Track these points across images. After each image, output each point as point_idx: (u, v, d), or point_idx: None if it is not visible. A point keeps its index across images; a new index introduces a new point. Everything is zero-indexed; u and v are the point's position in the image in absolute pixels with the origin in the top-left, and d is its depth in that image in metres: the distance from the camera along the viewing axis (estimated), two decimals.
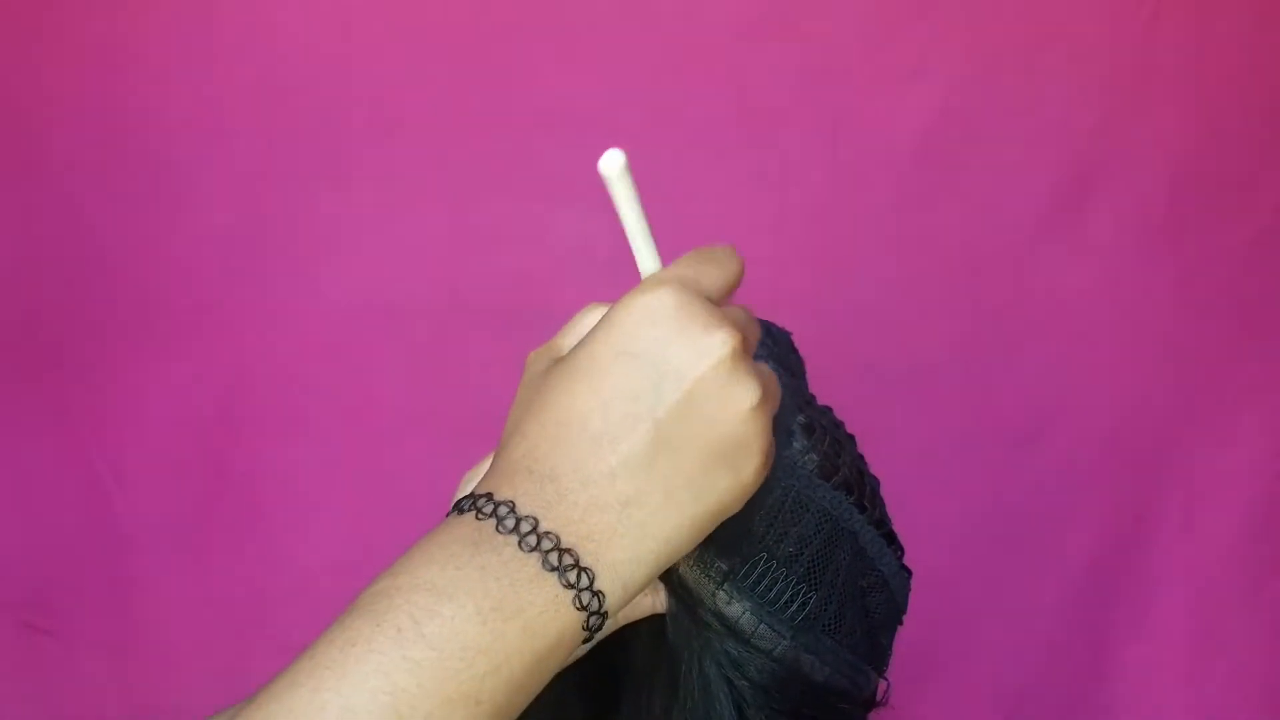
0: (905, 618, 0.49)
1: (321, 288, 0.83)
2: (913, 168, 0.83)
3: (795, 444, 0.44)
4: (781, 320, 0.88)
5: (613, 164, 0.33)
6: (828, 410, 0.48)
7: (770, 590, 0.42)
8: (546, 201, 0.82)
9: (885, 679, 0.47)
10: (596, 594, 0.32)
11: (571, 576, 0.32)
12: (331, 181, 0.81)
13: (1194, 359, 0.86)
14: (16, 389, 0.83)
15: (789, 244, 0.83)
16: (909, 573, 0.48)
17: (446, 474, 0.90)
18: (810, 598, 0.42)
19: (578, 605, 0.32)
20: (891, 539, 0.47)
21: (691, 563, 0.42)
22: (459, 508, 0.33)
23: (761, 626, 0.42)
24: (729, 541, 0.42)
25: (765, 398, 0.34)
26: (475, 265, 0.83)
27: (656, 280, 0.35)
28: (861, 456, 0.47)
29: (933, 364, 0.85)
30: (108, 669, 0.85)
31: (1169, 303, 0.85)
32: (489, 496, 0.33)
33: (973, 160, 0.83)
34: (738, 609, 0.42)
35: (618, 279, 0.92)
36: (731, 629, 0.42)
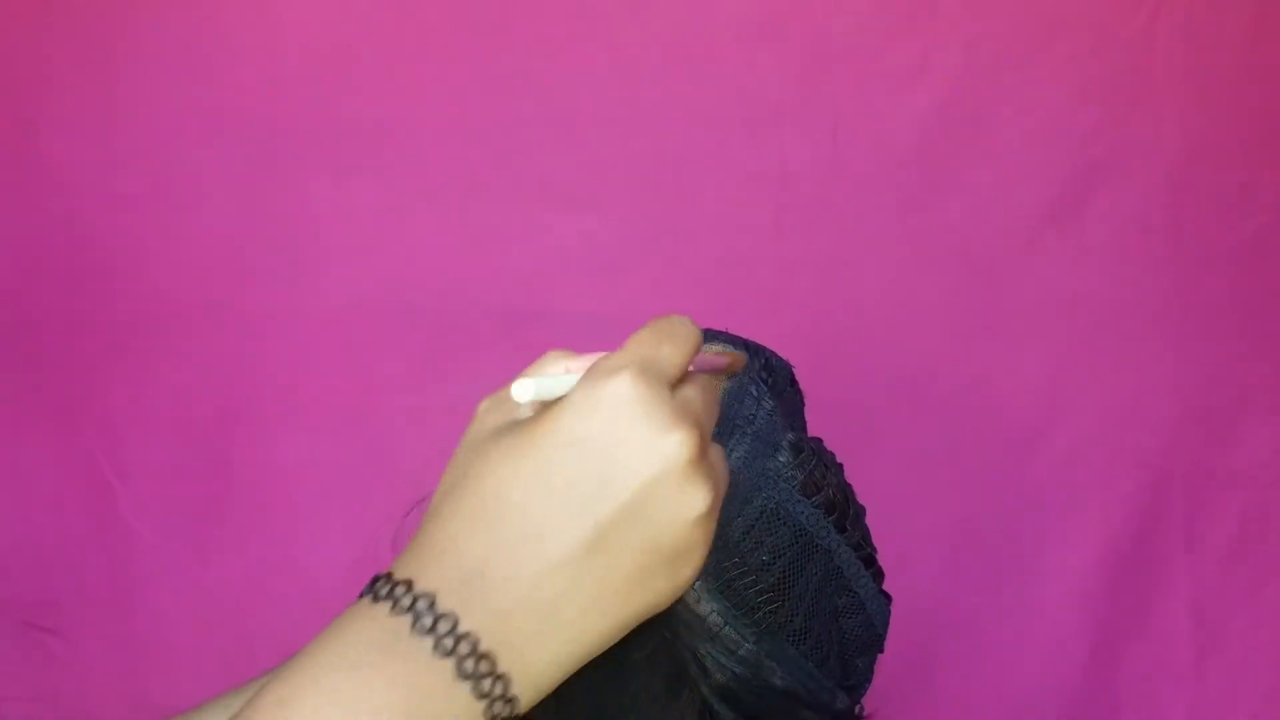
0: (899, 630, 0.49)
1: (322, 287, 0.83)
2: (913, 168, 0.83)
3: (780, 457, 0.45)
4: (781, 319, 0.88)
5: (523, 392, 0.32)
6: (819, 441, 0.48)
7: (740, 594, 0.43)
8: (546, 201, 0.82)
9: (860, 704, 0.47)
10: (509, 701, 0.30)
11: (486, 685, 0.29)
12: (332, 181, 0.81)
13: (1194, 359, 0.86)
14: (18, 388, 0.83)
15: (789, 244, 0.83)
16: (888, 598, 0.48)
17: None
18: (776, 606, 0.43)
19: (488, 717, 0.30)
20: (870, 562, 0.47)
21: None
22: (375, 592, 0.31)
23: (727, 628, 0.43)
24: None
25: (715, 503, 0.32)
26: (475, 265, 0.83)
27: (614, 366, 0.32)
28: (849, 485, 0.48)
29: (932, 363, 0.85)
30: (110, 667, 0.86)
31: (1169, 303, 0.85)
32: (409, 585, 0.30)
33: (973, 160, 0.83)
34: (706, 608, 0.43)
35: (617, 279, 0.93)
36: (699, 626, 0.43)
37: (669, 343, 0.34)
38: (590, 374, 0.32)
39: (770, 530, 0.43)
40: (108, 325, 0.83)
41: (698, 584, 0.43)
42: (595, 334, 0.89)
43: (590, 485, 0.30)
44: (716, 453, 0.34)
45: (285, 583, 0.85)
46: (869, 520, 0.48)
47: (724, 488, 0.34)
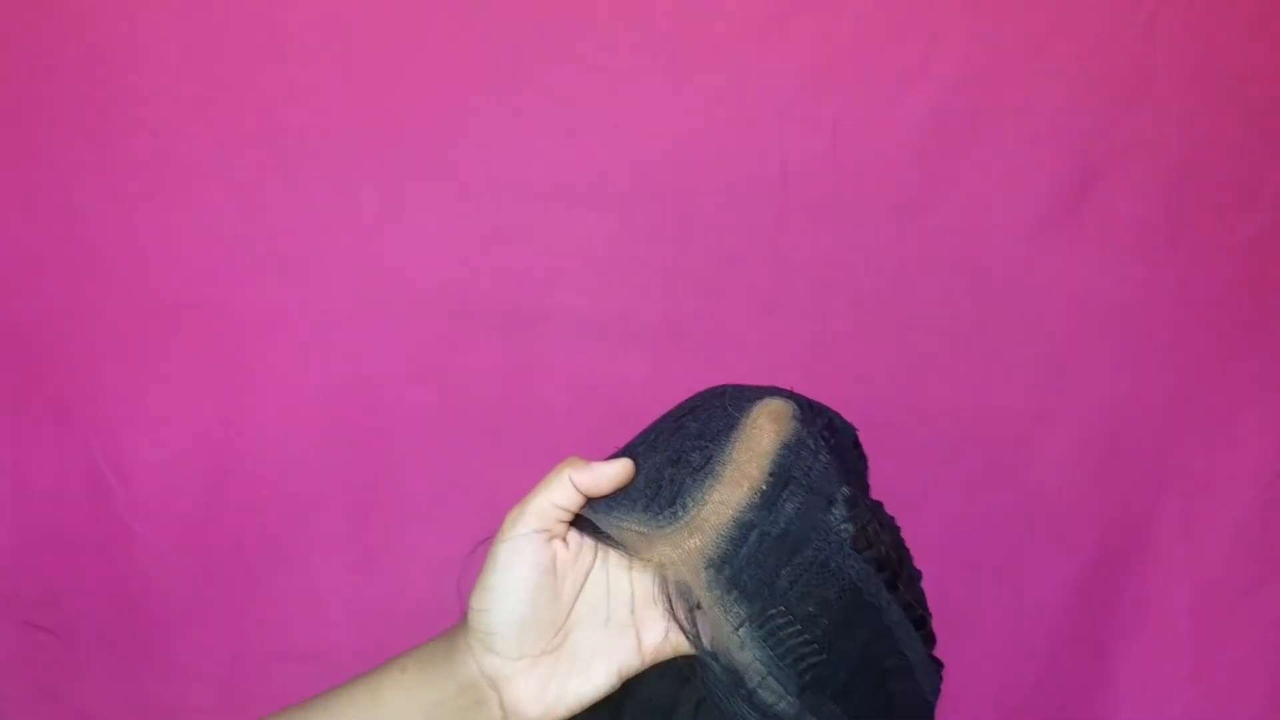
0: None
1: (322, 287, 0.83)
2: (913, 167, 0.83)
3: (835, 511, 0.44)
4: (781, 319, 0.88)
5: None
6: (880, 504, 0.48)
7: (783, 644, 0.43)
8: (546, 201, 0.82)
9: None
10: None
11: None
12: (332, 181, 0.81)
13: (1194, 359, 0.86)
14: (17, 387, 0.83)
15: (789, 244, 0.83)
16: (939, 664, 0.47)
17: (447, 472, 0.90)
18: (820, 659, 0.43)
19: None
20: (921, 624, 0.46)
21: (714, 602, 0.43)
22: None
23: (769, 678, 0.43)
24: (752, 588, 0.43)
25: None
26: (476, 265, 0.83)
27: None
28: (906, 547, 0.48)
29: (931, 363, 0.85)
30: (110, 668, 0.86)
31: (1169, 302, 0.85)
32: None
33: (973, 160, 0.83)
34: (748, 656, 0.43)
35: (617, 279, 0.93)
36: (739, 676, 0.43)
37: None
38: None
39: (819, 582, 0.43)
40: (107, 325, 0.83)
41: (741, 630, 0.43)
42: (595, 333, 0.89)
43: None
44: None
45: (284, 583, 0.86)
46: None
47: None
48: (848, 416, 0.51)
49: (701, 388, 0.84)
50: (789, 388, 0.50)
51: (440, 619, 0.86)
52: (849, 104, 0.82)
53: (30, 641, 0.86)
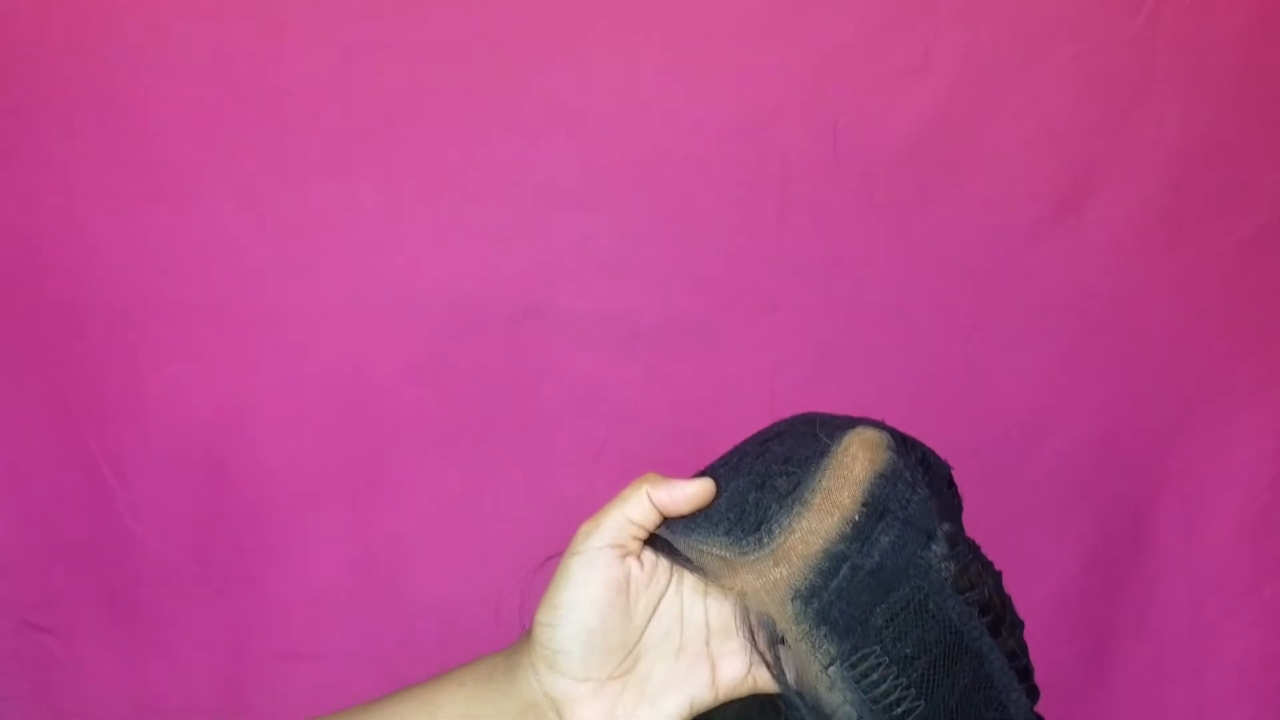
0: None
1: (322, 287, 0.83)
2: (913, 167, 0.83)
3: (934, 548, 0.42)
4: (781, 319, 0.88)
5: None
6: (978, 546, 0.46)
7: (877, 687, 0.40)
8: (547, 201, 0.82)
9: None
10: None
11: None
12: (332, 180, 0.81)
13: (1193, 359, 0.86)
14: (17, 387, 0.83)
15: (789, 244, 0.83)
16: None
17: (447, 472, 0.90)
18: (918, 706, 0.40)
19: None
20: (1025, 675, 0.43)
21: (801, 637, 0.41)
22: None
23: None
24: (844, 625, 0.40)
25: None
26: (475, 265, 0.83)
27: None
28: (1009, 595, 0.45)
29: (931, 363, 0.85)
30: (109, 668, 0.86)
31: (1168, 302, 0.85)
32: None
33: (973, 160, 0.83)
34: (838, 698, 0.40)
35: (618, 279, 0.93)
36: (827, 719, 0.40)
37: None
38: None
39: (917, 623, 0.41)
40: (107, 325, 0.83)
41: (831, 670, 0.40)
42: (595, 333, 0.89)
43: None
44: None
45: (284, 583, 0.86)
46: None
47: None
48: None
49: (701, 388, 0.84)
50: (880, 419, 0.48)
51: (439, 619, 0.86)
52: (849, 104, 0.82)
53: (30, 641, 0.86)
